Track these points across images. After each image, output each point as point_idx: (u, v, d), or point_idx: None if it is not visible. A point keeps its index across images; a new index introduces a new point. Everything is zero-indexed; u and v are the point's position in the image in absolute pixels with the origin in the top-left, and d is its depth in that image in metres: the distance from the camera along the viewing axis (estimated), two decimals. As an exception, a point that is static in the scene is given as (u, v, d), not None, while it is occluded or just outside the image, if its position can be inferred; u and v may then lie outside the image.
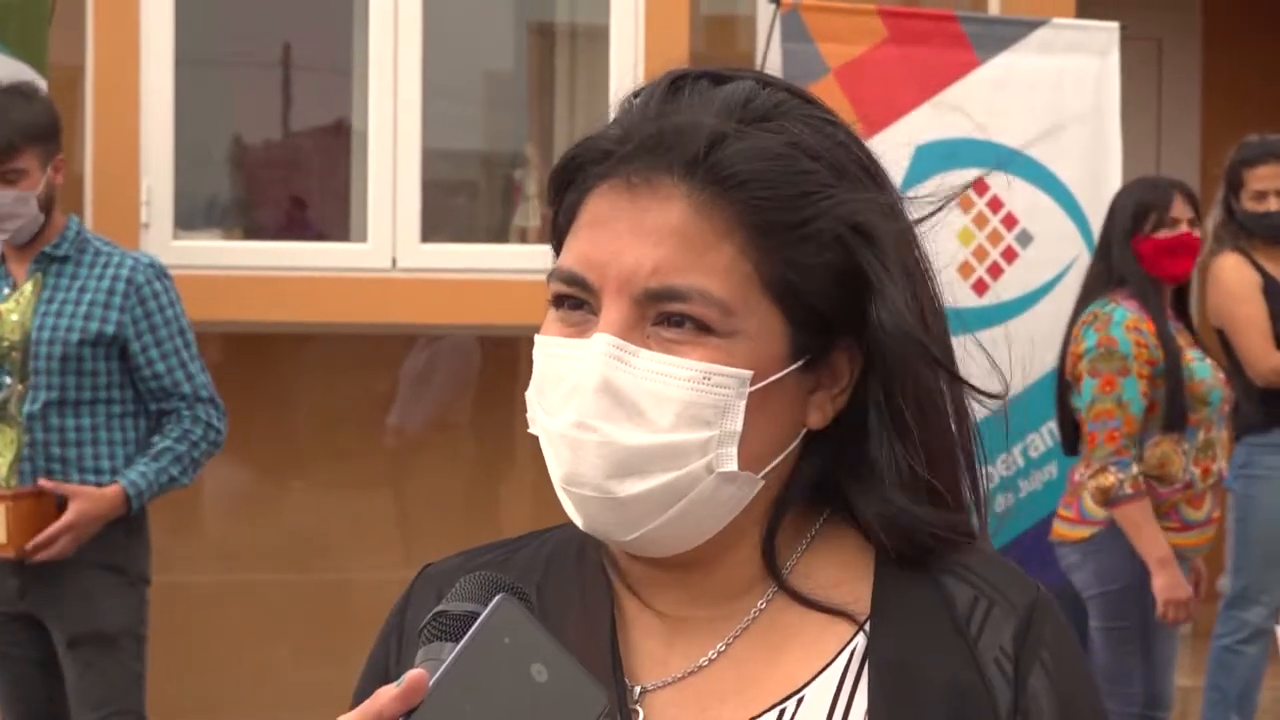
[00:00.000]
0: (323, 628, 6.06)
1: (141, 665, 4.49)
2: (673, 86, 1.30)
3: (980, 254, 5.36)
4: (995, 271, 5.40)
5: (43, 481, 4.30)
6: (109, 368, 4.40)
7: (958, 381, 1.34)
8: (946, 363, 1.33)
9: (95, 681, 4.38)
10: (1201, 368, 4.90)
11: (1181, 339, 4.94)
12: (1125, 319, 4.83)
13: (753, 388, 1.26)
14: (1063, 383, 4.98)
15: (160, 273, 4.48)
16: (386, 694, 1.09)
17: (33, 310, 4.34)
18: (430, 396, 6.35)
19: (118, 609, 4.42)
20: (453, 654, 1.10)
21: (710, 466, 1.26)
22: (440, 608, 1.16)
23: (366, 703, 1.09)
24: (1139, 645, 4.84)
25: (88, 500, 4.29)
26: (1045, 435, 5.32)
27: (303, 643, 6.09)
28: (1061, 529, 4.99)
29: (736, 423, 1.26)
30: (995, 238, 5.40)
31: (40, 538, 4.23)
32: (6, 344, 4.30)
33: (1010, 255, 5.42)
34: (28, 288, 4.35)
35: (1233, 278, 5.68)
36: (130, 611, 4.45)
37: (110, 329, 4.37)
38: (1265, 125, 6.09)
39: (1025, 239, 5.43)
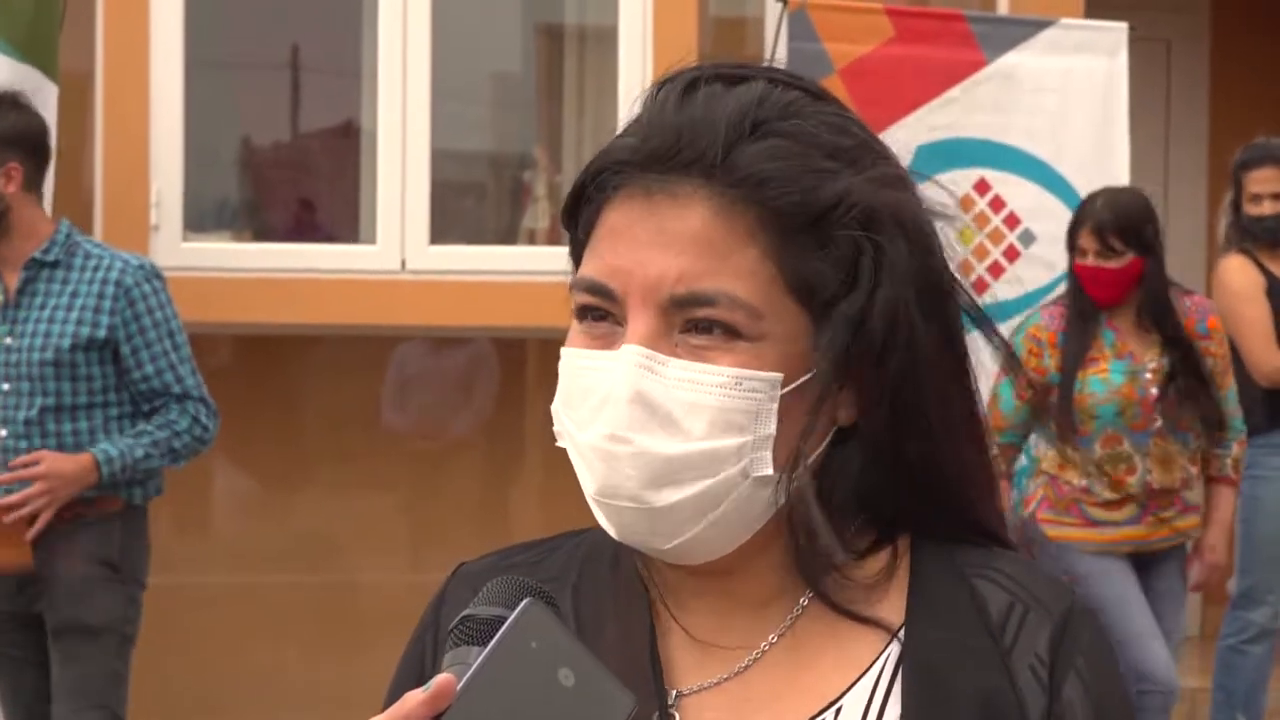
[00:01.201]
0: (330, 629, 6.06)
1: (123, 665, 4.49)
2: (686, 90, 1.29)
3: (980, 253, 5.36)
4: (996, 270, 5.39)
5: (10, 469, 4.30)
6: (103, 371, 4.41)
7: (968, 380, 1.33)
8: (961, 363, 1.33)
9: (73, 674, 4.39)
10: (1098, 380, 4.89)
11: (1124, 347, 4.93)
12: (1029, 326, 4.96)
13: (784, 390, 1.25)
14: None
15: (150, 274, 4.48)
16: (414, 698, 1.09)
17: None
18: (438, 398, 6.35)
19: (104, 604, 4.43)
20: (480, 658, 1.10)
21: (745, 472, 1.25)
22: (467, 612, 1.16)
23: (394, 707, 1.10)
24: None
25: (57, 457, 4.31)
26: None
27: (310, 644, 6.09)
28: None
29: (770, 426, 1.25)
30: (997, 237, 5.39)
31: (14, 498, 4.27)
32: None
33: (1012, 254, 5.42)
34: None
35: (1236, 279, 5.69)
36: (117, 609, 4.45)
37: (101, 333, 4.38)
38: (1273, 127, 6.09)
39: (1028, 238, 5.42)
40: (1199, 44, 7.94)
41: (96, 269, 4.42)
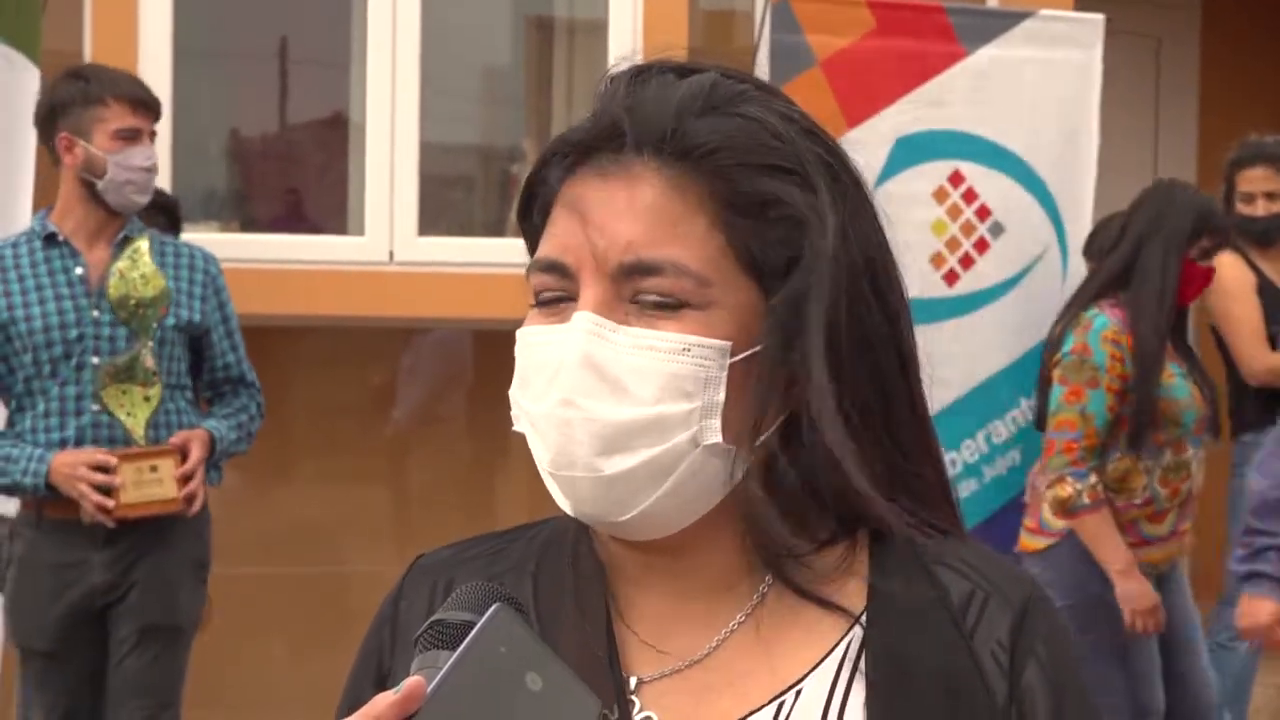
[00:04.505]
0: (319, 621, 6.07)
1: (189, 657, 4.58)
2: (638, 77, 1.32)
3: (953, 245, 5.30)
4: (966, 262, 5.34)
5: (172, 440, 4.38)
6: (185, 354, 4.50)
7: (913, 367, 1.35)
8: (904, 349, 1.34)
9: (157, 672, 4.43)
10: (1180, 387, 4.66)
11: (1167, 355, 4.71)
12: (1104, 328, 4.63)
13: (733, 359, 1.27)
14: (1043, 373, 4.85)
15: (219, 265, 4.61)
16: (384, 700, 1.10)
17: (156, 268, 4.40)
18: (425, 390, 6.37)
19: (192, 604, 4.52)
20: (449, 662, 1.12)
21: (695, 440, 1.26)
22: (436, 616, 1.17)
23: (365, 708, 1.11)
24: (1115, 656, 4.66)
25: (198, 438, 4.41)
26: (1009, 422, 5.27)
27: (299, 636, 6.10)
28: (1025, 539, 4.83)
29: (719, 394, 1.26)
30: (968, 229, 5.33)
31: (190, 488, 4.36)
32: (134, 302, 4.35)
33: (982, 246, 5.37)
34: (142, 245, 4.40)
35: (1228, 276, 5.68)
36: (199, 606, 4.56)
37: (197, 318, 4.47)
38: (1264, 124, 6.10)
39: (997, 230, 5.36)
40: (1189, 40, 7.95)
41: (179, 255, 4.50)
